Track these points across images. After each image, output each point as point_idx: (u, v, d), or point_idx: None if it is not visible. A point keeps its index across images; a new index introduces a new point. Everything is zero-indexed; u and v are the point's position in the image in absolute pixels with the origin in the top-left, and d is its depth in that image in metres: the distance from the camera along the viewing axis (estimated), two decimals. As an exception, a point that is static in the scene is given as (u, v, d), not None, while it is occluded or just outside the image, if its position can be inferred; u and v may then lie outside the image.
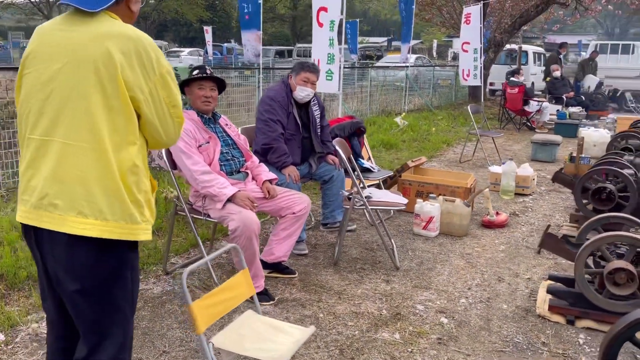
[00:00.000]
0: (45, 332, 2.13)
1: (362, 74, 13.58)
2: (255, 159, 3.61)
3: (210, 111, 3.38)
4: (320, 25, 5.47)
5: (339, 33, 5.72)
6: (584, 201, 4.46)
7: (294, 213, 3.47)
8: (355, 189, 3.73)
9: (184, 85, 3.30)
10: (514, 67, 13.66)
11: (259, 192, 3.45)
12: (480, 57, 10.76)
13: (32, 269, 3.36)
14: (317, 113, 4.30)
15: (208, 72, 3.32)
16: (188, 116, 3.26)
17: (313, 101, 4.25)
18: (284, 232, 3.50)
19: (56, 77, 1.63)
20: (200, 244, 3.39)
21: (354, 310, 3.18)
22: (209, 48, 23.67)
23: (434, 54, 35.67)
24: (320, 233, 4.46)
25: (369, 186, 4.35)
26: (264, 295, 3.23)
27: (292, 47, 30.08)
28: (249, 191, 3.35)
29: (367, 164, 4.83)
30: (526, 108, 10.61)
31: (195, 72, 3.33)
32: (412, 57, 19.90)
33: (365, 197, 3.75)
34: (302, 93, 4.04)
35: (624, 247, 3.04)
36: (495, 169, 6.10)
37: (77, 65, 1.62)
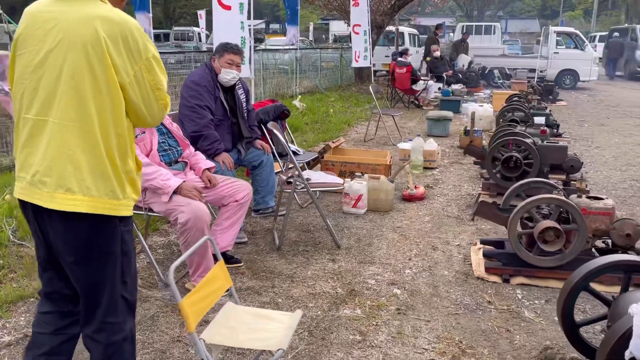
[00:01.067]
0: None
1: (249, 59, 13.38)
2: (192, 147, 3.46)
3: None
4: (227, 7, 5.29)
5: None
6: (494, 170, 4.86)
7: (236, 201, 3.39)
8: (296, 172, 3.72)
9: None
10: (401, 48, 14.30)
11: (200, 182, 3.31)
12: (370, 39, 11.15)
13: None
14: (243, 97, 4.21)
15: None
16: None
17: (238, 85, 4.14)
18: (227, 221, 3.40)
19: (48, 58, 1.67)
20: (143, 241, 3.20)
21: (309, 291, 3.21)
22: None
23: (310, 36, 36.18)
24: (254, 220, 4.40)
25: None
26: (218, 287, 3.13)
27: (169, 31, 28.80)
28: (190, 181, 3.21)
29: (292, 147, 4.83)
30: (414, 87, 11.21)
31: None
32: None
33: (306, 180, 3.76)
34: (227, 76, 3.91)
35: (547, 208, 3.38)
36: (403, 145, 6.41)
37: (68, 47, 1.66)
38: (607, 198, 3.36)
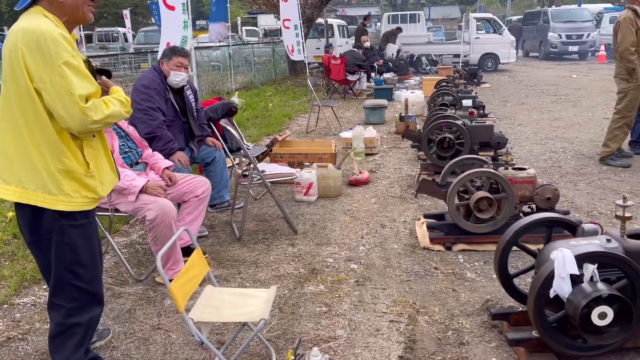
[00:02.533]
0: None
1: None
2: (149, 148, 3.61)
3: None
4: (171, 8, 5.40)
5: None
6: (430, 151, 5.28)
7: (197, 196, 3.58)
8: (252, 165, 3.95)
9: None
10: (323, 41, 14.63)
11: (161, 181, 3.48)
12: (302, 32, 11.41)
13: None
14: (191, 97, 4.37)
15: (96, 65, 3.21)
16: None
17: (186, 86, 4.30)
18: (189, 216, 3.59)
19: None
20: (111, 240, 3.33)
21: (274, 274, 3.46)
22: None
23: (239, 31, 35.95)
24: (211, 214, 4.59)
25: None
26: (188, 278, 3.33)
27: (91, 32, 27.80)
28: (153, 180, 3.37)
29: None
30: (348, 77, 11.60)
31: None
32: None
33: (261, 172, 4.00)
34: (176, 78, 4.07)
35: (480, 181, 3.80)
36: (345, 134, 6.74)
37: (2, 56, 1.96)
38: (529, 168, 3.81)
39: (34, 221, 2.07)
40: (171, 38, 5.54)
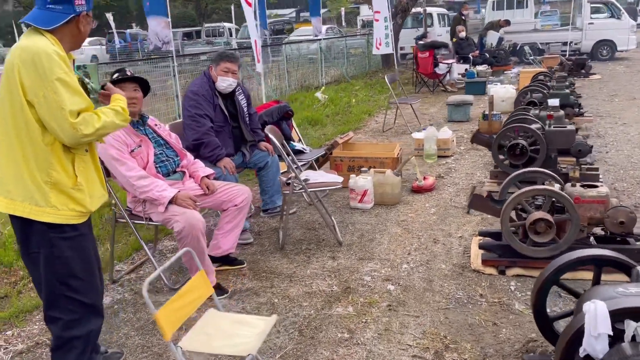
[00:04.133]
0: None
1: (276, 51, 13.52)
2: (190, 156, 3.61)
3: (137, 113, 3.33)
4: (249, 4, 5.38)
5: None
6: (501, 157, 4.82)
7: (235, 205, 3.53)
8: (292, 174, 3.83)
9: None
10: (421, 30, 14.11)
11: (199, 189, 3.46)
12: (390, 25, 11.07)
13: None
14: (243, 102, 4.33)
15: (128, 73, 3.26)
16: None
17: (238, 90, 4.27)
18: (228, 225, 3.55)
19: None
20: (146, 248, 3.39)
21: (306, 290, 3.32)
22: (115, 36, 22.57)
23: (343, 22, 35.93)
24: (262, 219, 4.55)
25: (302, 166, 4.46)
26: (218, 290, 3.28)
27: (200, 28, 29.24)
28: (188, 190, 3.37)
29: (298, 145, 4.93)
30: (437, 70, 11.07)
31: (115, 75, 3.26)
32: (323, 28, 20.05)
33: (304, 181, 3.87)
34: (223, 84, 4.05)
35: (541, 198, 3.37)
36: (417, 135, 6.40)
37: (3, 74, 2.05)
38: (602, 185, 3.31)
39: (23, 233, 2.17)
40: (252, 34, 5.51)
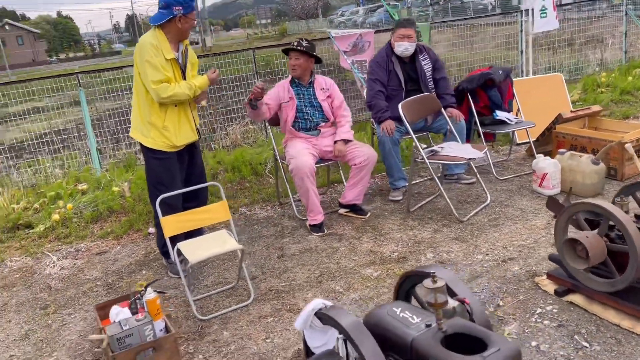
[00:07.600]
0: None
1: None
2: (344, 121, 4.21)
3: (298, 76, 4.15)
4: None
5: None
6: None
7: (355, 164, 4.04)
8: (414, 145, 3.96)
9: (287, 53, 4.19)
10: None
11: (330, 147, 4.12)
12: None
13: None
14: (427, 67, 4.50)
15: (295, 45, 4.12)
16: (283, 81, 4.23)
17: (423, 55, 4.48)
18: (352, 179, 4.13)
19: None
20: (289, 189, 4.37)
21: (372, 249, 3.63)
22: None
23: None
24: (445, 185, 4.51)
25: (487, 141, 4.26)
26: (316, 227, 3.99)
27: None
28: (320, 145, 4.10)
29: (502, 115, 4.66)
30: None
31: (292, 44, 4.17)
32: None
33: (431, 152, 3.93)
34: (399, 48, 4.40)
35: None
36: None
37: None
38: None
39: (141, 151, 3.63)
40: None
